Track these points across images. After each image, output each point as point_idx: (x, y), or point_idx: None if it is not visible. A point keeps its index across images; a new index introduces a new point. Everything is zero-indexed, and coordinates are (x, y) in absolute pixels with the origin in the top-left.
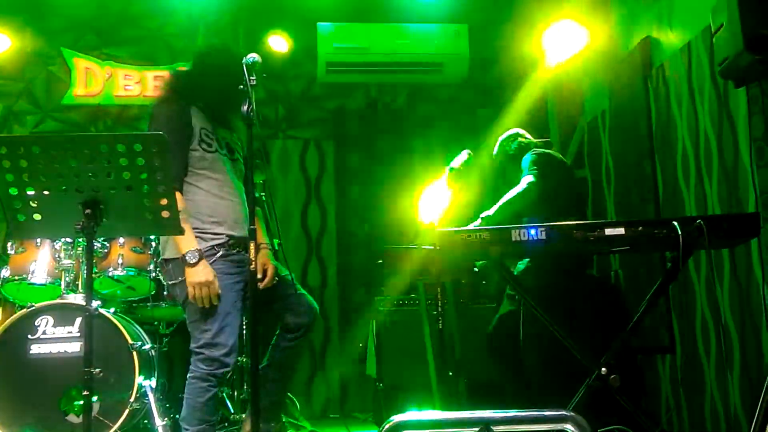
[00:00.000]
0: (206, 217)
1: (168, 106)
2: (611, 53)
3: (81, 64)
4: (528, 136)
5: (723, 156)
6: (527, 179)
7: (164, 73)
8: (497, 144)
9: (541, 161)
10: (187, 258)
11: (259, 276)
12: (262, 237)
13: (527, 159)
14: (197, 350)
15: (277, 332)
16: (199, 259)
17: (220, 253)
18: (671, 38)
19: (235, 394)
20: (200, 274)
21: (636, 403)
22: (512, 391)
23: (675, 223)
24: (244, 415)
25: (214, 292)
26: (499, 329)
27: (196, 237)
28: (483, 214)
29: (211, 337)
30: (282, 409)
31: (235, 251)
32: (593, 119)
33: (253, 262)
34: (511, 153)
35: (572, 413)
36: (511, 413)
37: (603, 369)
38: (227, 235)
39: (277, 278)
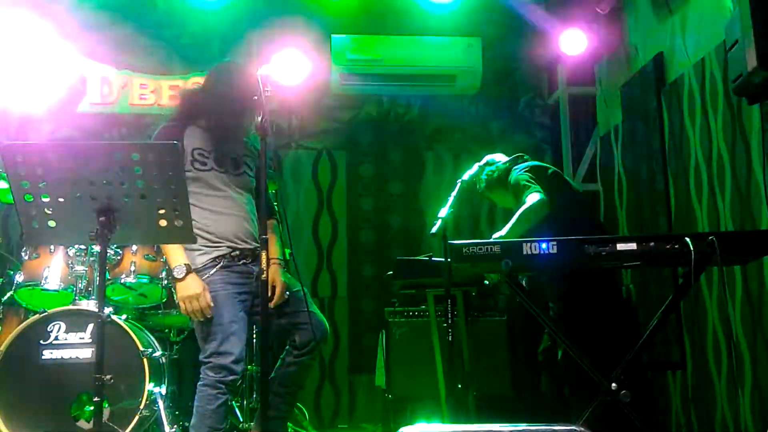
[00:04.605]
0: (205, 233)
1: (164, 129)
2: (625, 68)
3: (97, 72)
4: (498, 157)
5: (736, 172)
6: (534, 197)
7: (179, 82)
8: (476, 180)
9: (536, 175)
10: (174, 273)
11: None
12: (274, 252)
13: (516, 176)
14: (205, 359)
15: (286, 348)
16: (186, 273)
17: (222, 263)
18: (685, 54)
19: (244, 402)
20: (188, 288)
21: (647, 420)
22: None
23: (687, 239)
24: (252, 424)
25: (204, 303)
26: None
27: (198, 252)
28: (495, 235)
29: (217, 346)
30: (287, 424)
31: (240, 262)
32: (606, 133)
33: (265, 272)
34: (488, 182)
35: (581, 428)
36: (520, 427)
37: (613, 384)
38: (229, 246)
39: (288, 294)
